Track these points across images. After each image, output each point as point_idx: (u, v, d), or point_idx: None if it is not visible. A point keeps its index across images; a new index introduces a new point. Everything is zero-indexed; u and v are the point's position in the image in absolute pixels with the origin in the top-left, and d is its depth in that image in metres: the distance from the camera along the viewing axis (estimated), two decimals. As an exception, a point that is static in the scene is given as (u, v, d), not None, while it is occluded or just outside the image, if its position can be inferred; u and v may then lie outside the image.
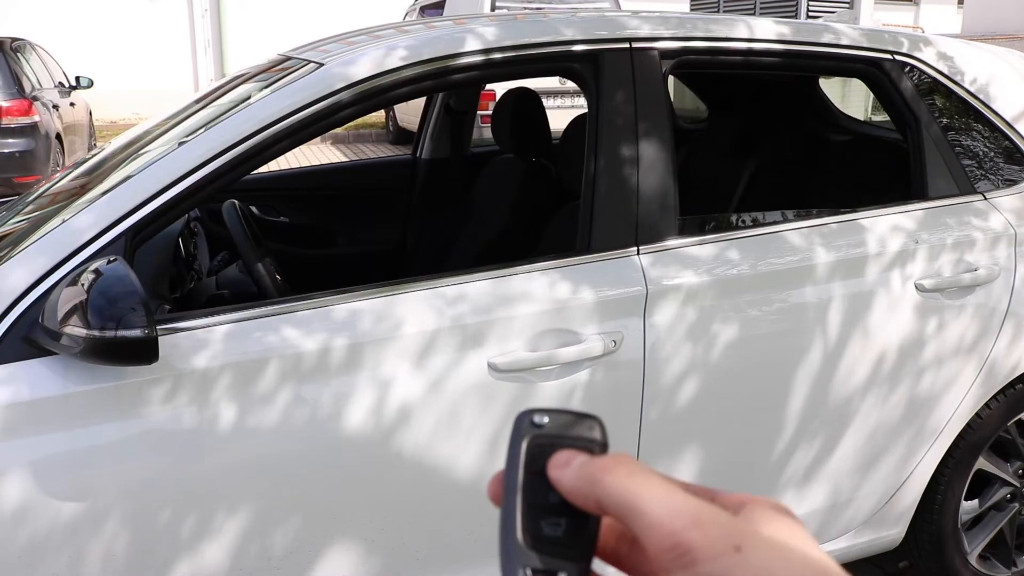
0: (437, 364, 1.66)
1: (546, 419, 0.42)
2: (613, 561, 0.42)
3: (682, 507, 0.36)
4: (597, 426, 0.42)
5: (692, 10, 12.77)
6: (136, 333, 1.38)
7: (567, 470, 0.39)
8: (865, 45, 2.14)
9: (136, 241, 1.57)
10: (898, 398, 2.05)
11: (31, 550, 1.44)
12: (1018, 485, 2.34)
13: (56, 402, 1.45)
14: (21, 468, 1.43)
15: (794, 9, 11.51)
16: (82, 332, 1.38)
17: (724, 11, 12.22)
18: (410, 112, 9.50)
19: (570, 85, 8.40)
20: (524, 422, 0.42)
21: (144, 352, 1.41)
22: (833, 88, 5.13)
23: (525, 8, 8.47)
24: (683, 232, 1.89)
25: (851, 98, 6.58)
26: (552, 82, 8.19)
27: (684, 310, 1.82)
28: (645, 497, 0.37)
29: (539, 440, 0.41)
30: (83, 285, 1.41)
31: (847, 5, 11.45)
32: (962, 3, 11.60)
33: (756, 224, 2.01)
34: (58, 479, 1.45)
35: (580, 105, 8.47)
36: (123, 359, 1.42)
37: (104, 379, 1.47)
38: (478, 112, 3.43)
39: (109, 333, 1.37)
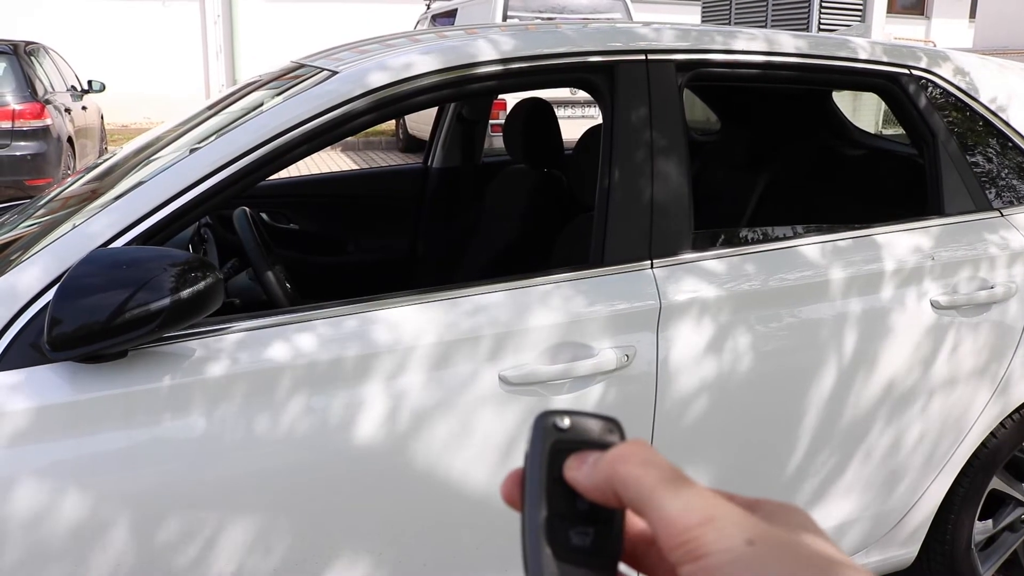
0: (449, 375, 1.64)
1: (568, 422, 0.40)
2: (631, 561, 0.41)
3: (695, 503, 0.36)
4: (617, 429, 0.40)
5: (703, 20, 12.77)
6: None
7: (583, 468, 0.38)
8: (883, 60, 2.12)
9: (147, 248, 1.56)
10: (912, 416, 2.03)
11: (36, 557, 1.43)
12: (1032, 506, 2.32)
13: (63, 409, 1.44)
14: (27, 475, 1.42)
15: (806, 21, 11.49)
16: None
17: (736, 22, 12.21)
18: (420, 120, 9.50)
19: (581, 95, 8.40)
20: (545, 424, 0.40)
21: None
22: (844, 101, 5.11)
23: (536, 18, 8.48)
24: (697, 246, 1.87)
25: (862, 111, 6.56)
26: (563, 92, 8.19)
27: (698, 324, 1.81)
28: (659, 492, 0.36)
29: (562, 445, 0.39)
30: None
31: (859, 18, 11.42)
32: (974, 17, 11.58)
33: (770, 238, 1.99)
34: (64, 486, 1.44)
35: (591, 115, 8.47)
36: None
37: (112, 386, 1.46)
38: (490, 121, 3.43)
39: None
